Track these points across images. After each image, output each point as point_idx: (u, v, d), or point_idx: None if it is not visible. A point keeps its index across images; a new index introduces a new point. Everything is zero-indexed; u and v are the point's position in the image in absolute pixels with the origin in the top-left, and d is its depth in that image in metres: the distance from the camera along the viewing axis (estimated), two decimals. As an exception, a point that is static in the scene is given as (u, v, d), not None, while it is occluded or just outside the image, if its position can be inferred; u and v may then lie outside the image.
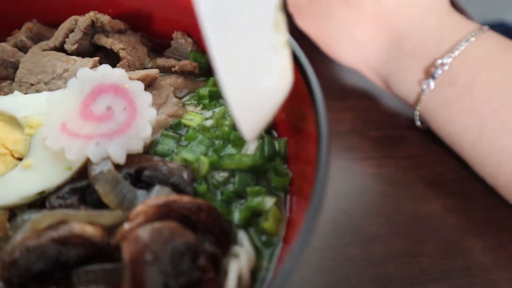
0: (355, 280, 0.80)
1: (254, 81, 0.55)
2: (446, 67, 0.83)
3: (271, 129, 0.75)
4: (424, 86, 0.86)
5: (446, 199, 0.92)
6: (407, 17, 0.88)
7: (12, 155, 0.63)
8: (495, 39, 0.85)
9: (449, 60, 0.83)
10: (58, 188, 0.61)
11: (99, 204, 0.60)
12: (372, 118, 1.08)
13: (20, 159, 0.64)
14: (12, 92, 0.75)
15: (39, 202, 0.61)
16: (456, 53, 0.83)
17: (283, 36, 0.57)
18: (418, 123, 0.95)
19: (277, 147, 0.72)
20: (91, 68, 0.73)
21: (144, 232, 0.51)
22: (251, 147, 0.72)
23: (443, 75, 0.84)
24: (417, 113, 0.92)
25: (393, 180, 0.96)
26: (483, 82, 0.82)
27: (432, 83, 0.85)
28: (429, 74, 0.86)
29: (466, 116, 0.83)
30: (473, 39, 0.83)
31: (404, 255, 0.84)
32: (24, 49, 0.81)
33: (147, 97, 0.67)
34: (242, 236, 0.61)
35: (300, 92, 0.65)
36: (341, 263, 0.81)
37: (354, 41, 0.92)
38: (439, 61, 0.84)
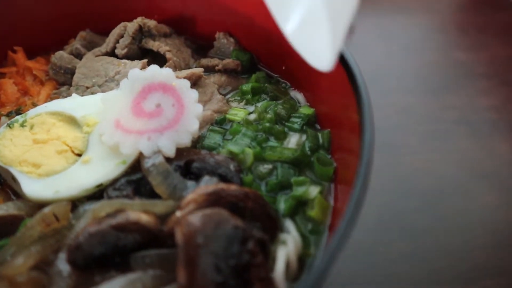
0: (405, 275, 0.79)
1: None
2: None
3: (314, 122, 0.76)
4: None
5: (496, 193, 0.90)
6: None
7: (73, 151, 0.68)
8: None
9: None
10: (115, 180, 0.65)
11: (152, 195, 0.63)
12: (417, 113, 1.07)
13: (79, 155, 0.68)
14: (70, 96, 0.81)
15: (97, 194, 0.66)
16: None
17: None
18: None
19: (320, 139, 0.73)
20: (140, 69, 0.78)
21: (195, 218, 0.54)
22: (292, 140, 0.73)
23: None
24: None
25: (441, 174, 0.94)
26: None
27: None
28: None
29: None
30: None
31: (456, 250, 0.82)
32: (79, 56, 0.87)
33: (193, 93, 0.70)
34: (289, 224, 0.63)
35: (343, 86, 0.66)
36: (389, 258, 0.80)
37: None
38: None
